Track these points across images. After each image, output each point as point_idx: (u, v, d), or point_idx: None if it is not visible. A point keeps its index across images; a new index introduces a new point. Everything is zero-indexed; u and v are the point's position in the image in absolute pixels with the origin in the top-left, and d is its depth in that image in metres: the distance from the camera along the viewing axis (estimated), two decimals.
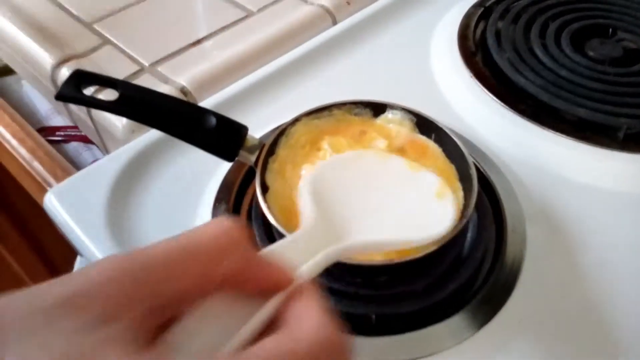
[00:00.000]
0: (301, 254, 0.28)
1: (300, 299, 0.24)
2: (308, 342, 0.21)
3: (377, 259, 0.38)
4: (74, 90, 0.39)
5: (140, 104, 0.40)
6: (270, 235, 0.43)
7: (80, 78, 0.39)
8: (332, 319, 0.23)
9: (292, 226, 0.40)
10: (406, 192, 0.39)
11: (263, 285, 0.24)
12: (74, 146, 0.73)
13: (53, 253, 1.10)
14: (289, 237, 0.29)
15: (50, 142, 0.67)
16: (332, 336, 0.22)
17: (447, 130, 0.45)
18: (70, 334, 0.19)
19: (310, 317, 0.23)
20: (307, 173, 0.37)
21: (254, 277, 0.24)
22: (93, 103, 0.39)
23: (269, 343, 0.21)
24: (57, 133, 0.74)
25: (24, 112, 0.73)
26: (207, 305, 0.23)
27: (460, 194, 0.43)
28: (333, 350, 0.22)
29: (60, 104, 0.67)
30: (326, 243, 0.30)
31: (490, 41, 0.61)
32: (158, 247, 0.22)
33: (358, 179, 0.37)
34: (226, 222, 0.24)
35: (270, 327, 0.24)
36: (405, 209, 0.37)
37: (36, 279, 1.12)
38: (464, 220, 0.40)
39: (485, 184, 0.47)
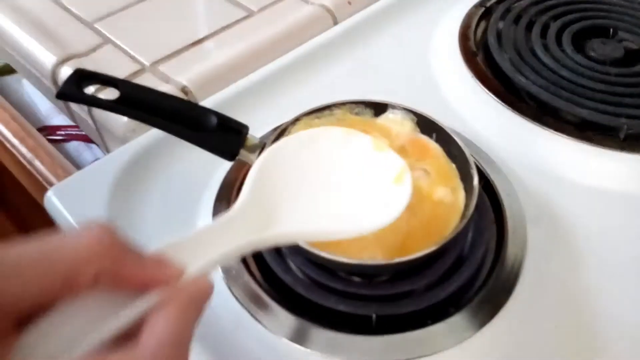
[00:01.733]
0: (210, 245, 0.27)
1: (165, 309, 0.24)
2: None
3: (378, 258, 0.38)
4: (74, 89, 0.39)
5: (141, 103, 0.40)
6: None
7: (81, 77, 0.39)
8: (180, 342, 0.23)
9: None
10: (361, 177, 0.36)
11: (141, 285, 0.24)
12: (74, 145, 0.73)
13: None
14: (205, 226, 0.29)
15: (51, 141, 0.67)
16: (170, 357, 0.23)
17: (448, 130, 0.45)
18: None
19: (157, 334, 0.23)
20: (265, 150, 0.35)
21: (128, 276, 0.24)
22: (94, 102, 0.39)
23: (112, 357, 0.22)
24: (58, 132, 0.74)
25: (24, 112, 0.73)
26: (74, 302, 0.23)
27: (462, 193, 0.43)
28: None
29: (61, 103, 0.67)
30: (246, 233, 0.29)
31: (491, 41, 0.61)
32: (13, 251, 0.22)
33: (313, 159, 0.36)
34: (95, 227, 0.24)
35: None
36: (352, 197, 0.35)
37: None
38: (465, 220, 0.40)
39: (486, 184, 0.47)
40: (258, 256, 0.43)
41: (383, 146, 0.38)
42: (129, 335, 0.23)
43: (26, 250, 0.23)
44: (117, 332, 0.23)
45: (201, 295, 0.25)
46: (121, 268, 0.24)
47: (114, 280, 0.24)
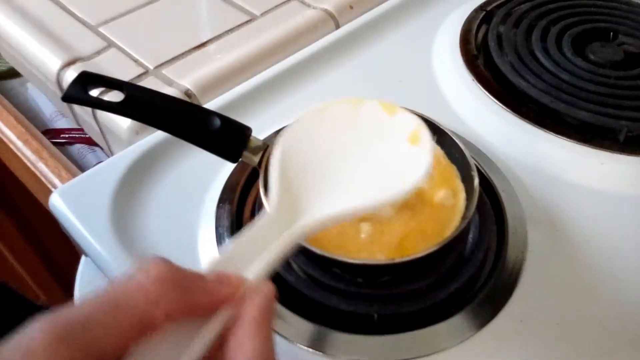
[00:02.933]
0: (257, 248, 0.28)
1: (245, 325, 0.25)
2: None
3: (380, 258, 0.39)
4: (80, 91, 0.39)
5: (146, 106, 0.40)
6: None
7: (87, 79, 0.40)
8: (268, 352, 0.25)
9: None
10: (377, 144, 0.35)
11: (210, 307, 0.26)
12: (78, 148, 0.73)
13: (56, 255, 1.10)
14: (245, 233, 0.29)
15: (55, 144, 0.68)
16: None
17: (449, 133, 0.45)
18: None
19: (246, 353, 0.24)
20: (279, 139, 0.34)
21: (197, 304, 0.25)
22: (99, 104, 0.40)
23: None
24: (62, 135, 0.74)
25: (29, 115, 0.73)
26: (153, 338, 0.24)
27: (462, 195, 0.43)
28: None
29: (65, 106, 0.67)
30: (287, 226, 0.29)
31: (492, 45, 0.61)
32: (88, 306, 0.23)
33: (327, 137, 0.35)
34: (151, 264, 0.25)
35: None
36: (375, 165, 0.34)
37: (38, 280, 1.12)
38: (466, 221, 0.40)
39: (487, 186, 0.48)
40: None
41: (393, 108, 0.37)
42: None
43: (96, 305, 0.23)
44: (200, 356, 0.25)
45: (269, 301, 0.27)
46: (189, 298, 0.25)
47: (185, 311, 0.25)
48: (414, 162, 0.34)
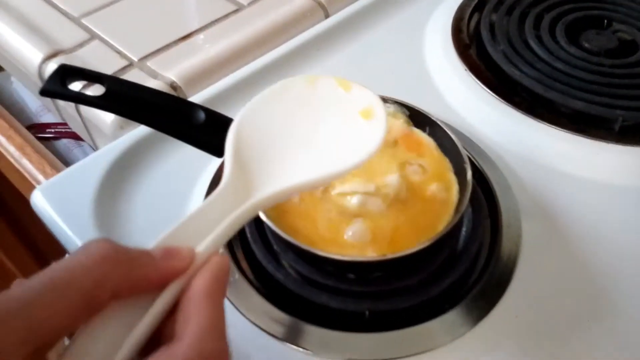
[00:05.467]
0: (210, 222, 0.28)
1: (193, 298, 0.25)
2: (185, 357, 0.23)
3: (371, 254, 0.38)
4: (58, 85, 0.38)
5: (127, 99, 0.39)
6: (262, 230, 0.42)
7: (66, 73, 0.38)
8: (216, 326, 0.24)
9: (283, 222, 0.39)
10: (332, 119, 0.36)
11: (160, 282, 0.25)
12: (64, 143, 0.72)
13: (45, 249, 1.09)
14: (199, 205, 0.29)
15: (41, 139, 0.66)
16: (211, 347, 0.24)
17: (441, 124, 0.45)
18: None
19: (193, 327, 0.24)
20: (235, 118, 0.35)
21: (144, 280, 0.25)
22: (78, 98, 0.38)
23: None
24: (48, 130, 0.73)
25: (13, 110, 0.72)
26: (101, 317, 0.24)
27: (455, 187, 0.42)
28: None
29: (49, 100, 0.66)
30: (240, 201, 0.29)
31: (484, 33, 0.60)
32: (28, 289, 0.23)
33: (282, 114, 0.36)
34: (94, 244, 0.24)
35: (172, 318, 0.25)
36: (328, 140, 0.35)
37: (28, 275, 1.11)
38: (459, 215, 0.39)
39: (480, 177, 0.47)
40: (249, 254, 0.42)
41: (349, 84, 0.37)
42: (157, 341, 0.24)
43: (36, 287, 0.23)
44: (149, 333, 0.24)
45: (220, 273, 0.26)
46: (134, 275, 0.25)
47: (131, 288, 0.25)
48: (367, 135, 0.35)
